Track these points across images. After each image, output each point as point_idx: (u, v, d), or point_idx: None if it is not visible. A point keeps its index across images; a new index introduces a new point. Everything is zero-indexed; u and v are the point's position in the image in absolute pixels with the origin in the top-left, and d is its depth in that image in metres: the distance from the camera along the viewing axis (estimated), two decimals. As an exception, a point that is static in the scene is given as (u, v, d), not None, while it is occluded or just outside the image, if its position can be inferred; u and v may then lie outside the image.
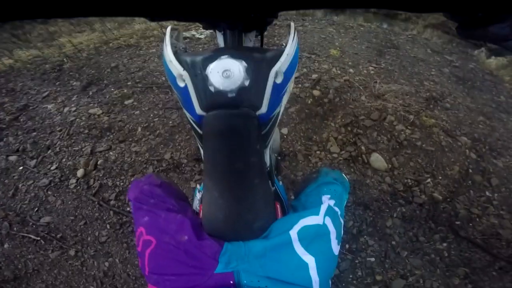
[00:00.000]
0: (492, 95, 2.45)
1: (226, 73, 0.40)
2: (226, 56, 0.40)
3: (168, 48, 0.47)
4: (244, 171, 0.46)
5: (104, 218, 1.59)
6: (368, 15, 3.44)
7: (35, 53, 3.00)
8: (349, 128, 1.93)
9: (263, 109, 0.43)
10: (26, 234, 1.57)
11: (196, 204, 0.70)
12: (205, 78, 0.40)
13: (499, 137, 1.99)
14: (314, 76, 2.38)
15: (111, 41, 3.15)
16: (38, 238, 1.56)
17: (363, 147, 1.82)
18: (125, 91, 2.38)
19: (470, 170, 1.77)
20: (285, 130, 1.89)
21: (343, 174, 0.70)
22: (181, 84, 0.43)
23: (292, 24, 0.53)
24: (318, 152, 1.78)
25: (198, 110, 0.43)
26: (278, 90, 0.44)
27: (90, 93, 2.41)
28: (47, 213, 1.66)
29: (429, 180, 1.70)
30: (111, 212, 1.60)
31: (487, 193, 1.67)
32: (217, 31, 0.59)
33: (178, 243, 0.48)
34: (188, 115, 0.47)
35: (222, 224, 0.50)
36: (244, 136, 0.44)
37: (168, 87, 2.34)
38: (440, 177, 1.72)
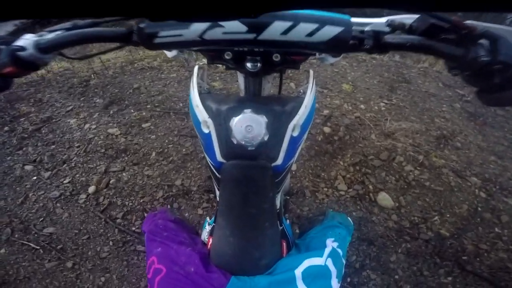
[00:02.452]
0: (504, 132, 2.42)
1: (248, 128, 0.44)
2: (249, 110, 0.44)
3: (195, 91, 0.51)
4: (256, 215, 0.50)
5: (109, 235, 1.61)
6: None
7: (66, 65, 3.19)
8: (357, 167, 1.96)
9: (279, 161, 0.48)
10: (26, 242, 1.60)
11: (204, 236, 0.73)
12: (229, 130, 0.45)
13: (510, 176, 1.98)
14: (326, 112, 2.45)
15: (136, 61, 3.32)
16: (38, 247, 1.57)
17: (370, 186, 1.84)
18: (144, 114, 2.48)
19: (479, 208, 1.76)
20: (294, 167, 1.93)
21: (348, 218, 0.73)
22: (205, 130, 0.48)
23: (311, 71, 0.57)
24: (325, 189, 1.81)
25: (219, 157, 0.47)
26: (295, 142, 0.49)
27: (111, 112, 2.51)
28: (52, 224, 1.69)
29: (436, 217, 1.70)
30: (116, 230, 1.62)
31: (496, 229, 1.65)
32: (238, 72, 0.63)
33: (187, 274, 0.52)
34: (208, 159, 0.51)
35: (231, 259, 0.53)
36: (259, 185, 0.48)
37: (184, 113, 2.44)
38: (448, 215, 1.72)
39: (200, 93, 0.52)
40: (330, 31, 0.35)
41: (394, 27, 0.41)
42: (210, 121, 0.47)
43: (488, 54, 0.36)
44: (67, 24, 0.44)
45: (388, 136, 2.23)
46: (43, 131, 2.35)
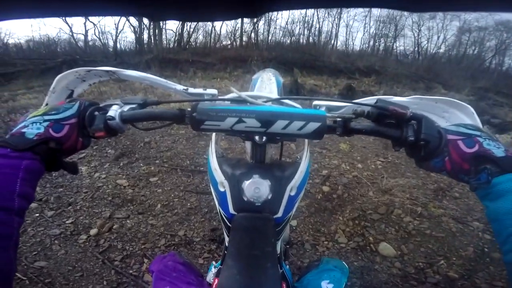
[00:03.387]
0: None
1: (256, 190, 0.58)
2: (257, 176, 0.59)
3: (214, 156, 0.66)
4: (260, 257, 0.59)
5: (104, 275, 1.56)
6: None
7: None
8: (356, 221, 2.01)
9: (279, 214, 0.61)
10: None
11: (210, 277, 0.79)
12: (241, 190, 0.59)
13: None
14: (325, 172, 2.58)
15: None
16: (24, 278, 1.51)
17: (371, 238, 1.86)
18: (152, 168, 2.60)
19: (486, 249, 1.75)
20: (294, 222, 1.98)
21: (343, 262, 0.80)
22: (221, 189, 0.62)
23: (306, 140, 0.72)
24: (325, 242, 1.83)
25: (231, 210, 0.60)
26: (292, 200, 0.63)
27: (121, 164, 2.63)
28: (45, 259, 1.66)
29: (442, 261, 1.68)
30: (113, 271, 1.58)
31: None
32: (246, 141, 0.78)
33: None
34: (222, 212, 0.64)
35: None
36: (263, 233, 0.60)
37: (191, 171, 2.57)
38: (454, 258, 1.70)
39: (217, 157, 0.67)
40: (312, 126, 0.51)
41: (357, 114, 0.54)
42: (226, 183, 0.61)
43: (413, 134, 0.47)
44: (138, 99, 0.59)
45: (386, 192, 2.34)
46: (53, 174, 2.42)
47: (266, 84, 0.92)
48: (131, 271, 1.59)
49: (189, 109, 0.54)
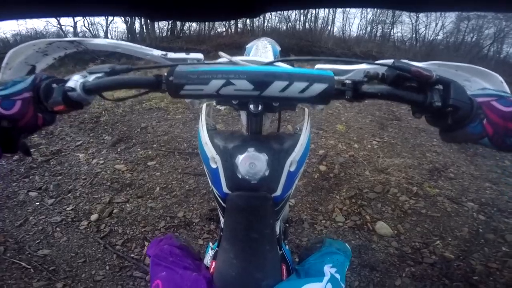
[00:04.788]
0: (495, 160, 2.49)
1: (252, 165, 0.52)
2: (253, 149, 0.52)
3: (204, 129, 0.59)
4: (258, 240, 0.55)
5: (106, 259, 1.60)
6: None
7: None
8: (353, 200, 2.02)
9: (278, 192, 0.55)
10: (17, 261, 1.57)
11: (207, 260, 0.76)
12: (234, 166, 0.52)
13: (508, 199, 2.00)
14: (321, 151, 2.58)
15: (144, 101, 3.55)
16: (29, 267, 1.54)
17: (367, 217, 1.88)
18: (150, 152, 2.60)
19: (481, 230, 1.78)
20: (292, 201, 1.99)
21: (346, 244, 0.77)
22: (213, 166, 0.55)
23: (306, 110, 0.65)
24: (323, 221, 1.85)
25: (225, 189, 0.54)
26: (292, 176, 0.56)
27: (119, 150, 2.63)
28: (48, 247, 1.68)
29: (438, 242, 1.70)
30: (115, 256, 1.61)
31: (504, 248, 1.65)
32: (241, 111, 0.71)
33: None
34: (215, 190, 0.58)
35: (234, 280, 0.56)
36: (260, 213, 0.55)
37: (188, 154, 2.57)
38: (450, 239, 1.73)
39: (208, 130, 0.60)
40: (318, 88, 0.45)
41: (370, 77, 0.47)
42: (217, 158, 0.54)
43: (440, 99, 0.42)
44: (106, 67, 0.51)
45: (382, 172, 2.34)
46: (52, 163, 2.43)
47: (262, 52, 0.83)
48: (132, 255, 1.62)
49: (165, 74, 0.48)
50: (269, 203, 0.54)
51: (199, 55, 0.58)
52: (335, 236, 1.72)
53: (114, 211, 1.93)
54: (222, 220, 0.61)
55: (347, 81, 0.47)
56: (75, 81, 0.47)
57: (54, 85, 0.48)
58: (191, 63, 0.56)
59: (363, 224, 1.84)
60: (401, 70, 0.43)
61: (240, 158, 0.52)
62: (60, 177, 2.28)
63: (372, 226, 1.82)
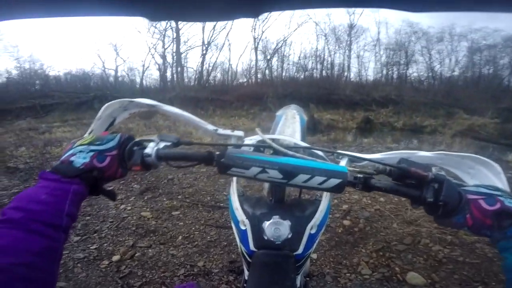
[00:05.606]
0: None
1: (276, 230, 0.61)
2: (277, 216, 0.62)
3: (236, 195, 0.69)
4: None
5: (122, 299, 1.58)
6: (395, 133, 3.56)
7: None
8: (381, 253, 1.92)
9: (300, 250, 0.62)
10: None
11: None
12: (261, 230, 0.62)
13: None
14: (345, 206, 2.53)
15: None
16: None
17: (397, 268, 1.77)
18: (175, 203, 2.68)
19: None
20: (314, 255, 1.93)
21: None
22: (243, 227, 0.65)
23: None
24: (348, 274, 1.76)
25: (252, 247, 0.63)
26: (313, 237, 0.65)
27: (145, 198, 2.73)
28: (65, 280, 1.70)
29: (480, 287, 1.56)
30: (132, 297, 1.59)
31: None
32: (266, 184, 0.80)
33: None
34: (242, 248, 0.66)
35: None
36: (283, 269, 0.61)
37: (211, 206, 2.62)
38: (493, 283, 1.58)
39: (238, 196, 0.69)
40: (333, 182, 0.52)
41: (379, 171, 0.55)
42: (247, 221, 0.64)
43: (433, 196, 0.49)
44: (173, 138, 0.62)
45: (411, 223, 2.25)
46: (82, 204, 2.52)
47: (290, 123, 0.94)
48: (148, 298, 1.60)
49: (217, 152, 0.57)
50: (291, 260, 0.62)
51: (241, 133, 0.70)
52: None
53: (136, 255, 1.95)
54: (246, 273, 0.68)
55: (359, 175, 0.56)
56: (151, 148, 0.57)
57: (135, 148, 0.59)
58: (238, 144, 0.68)
59: (392, 275, 1.74)
60: (403, 170, 0.52)
61: (267, 224, 0.61)
62: (88, 217, 2.37)
63: (403, 277, 1.72)
